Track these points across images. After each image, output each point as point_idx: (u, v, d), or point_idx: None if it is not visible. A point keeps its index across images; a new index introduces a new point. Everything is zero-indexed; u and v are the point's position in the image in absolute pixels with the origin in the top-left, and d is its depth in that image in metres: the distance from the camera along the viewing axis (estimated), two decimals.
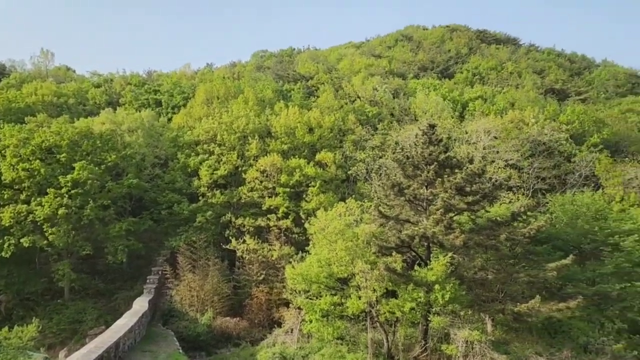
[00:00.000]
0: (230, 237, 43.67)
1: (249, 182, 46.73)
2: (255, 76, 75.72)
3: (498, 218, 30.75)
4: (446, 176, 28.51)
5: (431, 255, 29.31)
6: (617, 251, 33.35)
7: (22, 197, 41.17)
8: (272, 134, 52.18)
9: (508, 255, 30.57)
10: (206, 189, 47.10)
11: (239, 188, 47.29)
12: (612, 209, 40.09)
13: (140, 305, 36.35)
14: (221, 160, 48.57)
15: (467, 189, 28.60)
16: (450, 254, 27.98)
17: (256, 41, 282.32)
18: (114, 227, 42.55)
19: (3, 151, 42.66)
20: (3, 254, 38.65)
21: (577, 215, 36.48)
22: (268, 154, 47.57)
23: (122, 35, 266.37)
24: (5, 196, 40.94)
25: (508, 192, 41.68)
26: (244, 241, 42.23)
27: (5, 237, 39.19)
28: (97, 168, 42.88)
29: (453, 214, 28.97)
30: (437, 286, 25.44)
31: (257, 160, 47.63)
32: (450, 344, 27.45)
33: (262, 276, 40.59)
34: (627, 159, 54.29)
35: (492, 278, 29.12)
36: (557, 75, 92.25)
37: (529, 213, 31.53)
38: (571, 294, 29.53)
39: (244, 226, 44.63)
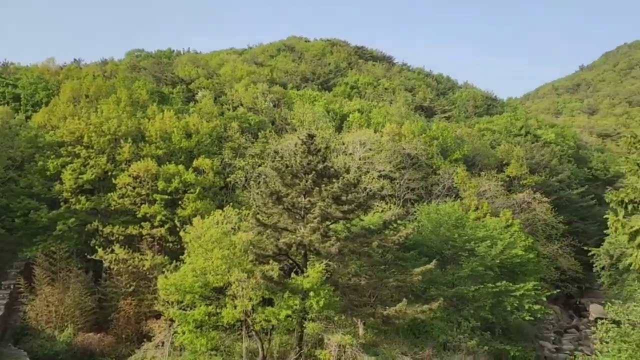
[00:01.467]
0: (96, 247, 40.39)
1: (120, 188, 43.69)
2: (131, 76, 71.37)
3: (371, 226, 32.34)
4: (324, 185, 29.25)
5: (308, 262, 29.82)
6: (473, 256, 36.88)
7: None
8: (147, 138, 49.51)
9: (379, 261, 32.23)
10: (70, 194, 43.14)
11: (109, 194, 44.03)
12: (469, 217, 44.18)
13: None
14: (88, 163, 44.90)
15: (343, 198, 29.64)
16: (325, 261, 28.74)
17: (130, 40, 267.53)
18: None
19: None
20: None
21: (440, 223, 39.72)
22: (142, 159, 45.00)
23: None
24: None
25: (381, 201, 44.01)
26: (113, 251, 39.32)
27: None
28: None
29: (329, 222, 29.84)
30: (312, 293, 25.90)
31: (129, 165, 44.79)
32: (324, 349, 28.11)
33: (132, 287, 38.09)
34: (482, 172, 60.41)
35: (365, 283, 30.51)
36: (426, 94, 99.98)
37: (399, 221, 33.58)
38: (434, 296, 31.96)
39: (112, 235, 41.57)
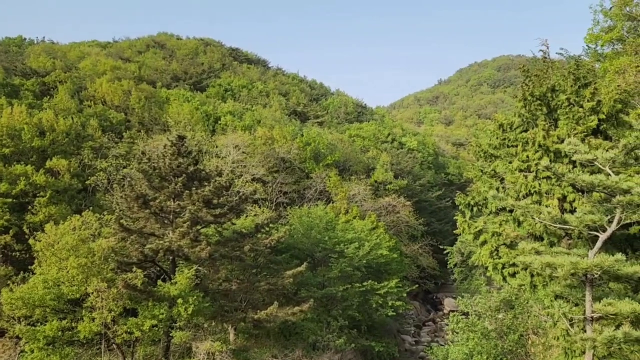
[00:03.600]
0: None
1: None
2: None
3: (243, 230, 32.11)
4: (194, 188, 28.40)
5: (176, 268, 28.66)
6: (342, 257, 38.33)
7: None
8: None
9: (252, 265, 32.06)
10: None
11: None
12: (339, 220, 45.91)
13: None
14: None
15: (215, 201, 29.02)
16: (195, 267, 27.86)
17: None
18: None
19: None
20: None
21: (311, 226, 40.69)
22: None
23: None
24: None
25: (254, 205, 43.90)
26: None
27: None
28: None
29: (200, 227, 29.03)
30: (180, 300, 24.90)
31: None
32: (192, 358, 27.18)
33: None
34: (352, 177, 63.23)
35: (236, 288, 30.16)
36: (300, 99, 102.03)
37: (271, 225, 33.82)
38: (304, 298, 32.62)
39: None
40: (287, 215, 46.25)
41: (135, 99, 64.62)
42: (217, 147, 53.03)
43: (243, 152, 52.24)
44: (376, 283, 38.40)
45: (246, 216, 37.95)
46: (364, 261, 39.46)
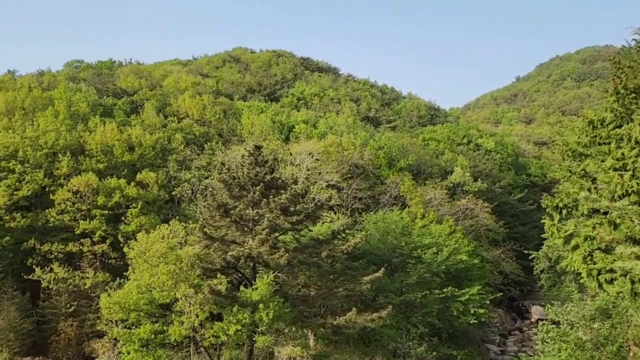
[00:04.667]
0: (33, 266, 38.40)
1: (58, 204, 41.85)
2: (74, 87, 68.55)
3: (320, 236, 32.50)
4: (272, 197, 29.19)
5: (257, 275, 29.57)
6: (420, 263, 37.69)
7: None
8: (87, 152, 47.74)
9: (329, 271, 32.35)
10: (4, 211, 40.92)
11: (47, 210, 42.09)
12: (416, 225, 45.25)
13: None
14: (24, 179, 42.79)
15: (292, 208, 29.65)
16: (275, 273, 28.60)
17: (69, 51, 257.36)
18: None
19: None
20: None
21: (387, 231, 40.40)
22: (82, 173, 43.35)
23: None
24: None
25: (329, 211, 44.37)
26: (51, 270, 37.54)
27: None
28: None
29: (278, 234, 29.75)
30: (261, 305, 25.67)
31: (68, 180, 43.03)
32: None
33: (73, 308, 36.50)
34: (427, 181, 62.09)
35: (314, 294, 30.55)
36: (371, 104, 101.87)
37: (347, 231, 33.96)
38: (383, 304, 32.39)
39: (51, 253, 39.72)
40: (363, 221, 46.27)
41: (213, 112, 67.65)
42: (291, 155, 54.22)
43: (317, 160, 53.00)
44: (456, 289, 37.37)
45: (322, 223, 38.43)
46: (443, 267, 38.53)
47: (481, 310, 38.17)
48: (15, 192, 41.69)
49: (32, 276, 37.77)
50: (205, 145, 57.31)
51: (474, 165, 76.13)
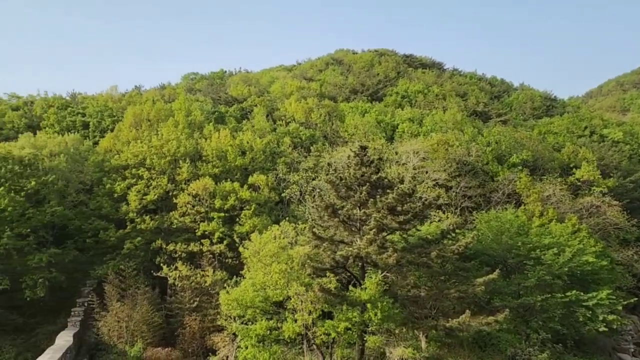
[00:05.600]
0: (161, 264, 42.01)
1: (180, 207, 45.38)
2: (191, 98, 74.00)
3: (429, 236, 31.78)
4: (378, 196, 29.12)
5: (365, 274, 29.63)
6: (539, 264, 35.28)
7: None
8: (204, 158, 51.18)
9: (439, 272, 31.50)
10: (135, 214, 45.23)
11: (170, 213, 45.82)
12: (533, 224, 42.44)
13: (65, 339, 33.94)
14: (151, 184, 46.93)
15: (399, 208, 29.31)
16: (383, 273, 28.44)
17: (185, 63, 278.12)
18: (32, 258, 39.85)
19: None
20: None
21: (501, 231, 38.36)
22: (200, 178, 46.55)
23: (43, 56, 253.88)
24: None
25: (437, 210, 43.17)
26: (176, 268, 40.79)
27: None
28: (16, 195, 40.21)
29: (386, 234, 29.54)
30: (370, 305, 25.67)
31: (188, 184, 46.46)
32: None
33: (196, 303, 39.29)
34: (544, 177, 57.96)
35: (425, 295, 29.88)
36: (479, 98, 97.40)
37: (457, 230, 32.83)
38: (498, 307, 30.84)
39: (175, 252, 43.16)
40: (474, 220, 44.42)
41: (318, 114, 69.08)
42: (396, 154, 53.62)
43: (423, 158, 51.87)
44: (582, 293, 34.41)
45: (430, 222, 37.52)
46: (566, 269, 35.64)
47: (612, 317, 34.74)
48: (144, 197, 45.87)
49: (160, 273, 41.38)
50: (312, 147, 58.68)
51: (599, 158, 69.54)
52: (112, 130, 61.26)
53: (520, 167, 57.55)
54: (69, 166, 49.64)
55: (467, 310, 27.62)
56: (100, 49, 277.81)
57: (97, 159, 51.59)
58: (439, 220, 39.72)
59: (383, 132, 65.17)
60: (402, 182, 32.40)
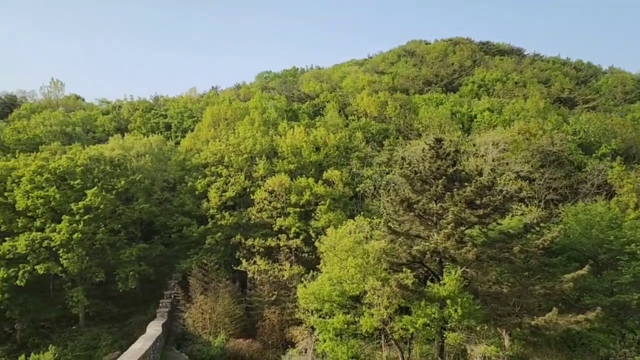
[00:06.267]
0: (240, 259, 43.51)
1: (257, 203, 46.70)
2: (266, 96, 75.77)
3: (510, 230, 30.44)
4: (455, 190, 28.27)
5: (443, 270, 28.91)
6: (635, 260, 32.74)
7: (36, 224, 41.50)
8: (279, 154, 52.28)
9: (522, 267, 30.14)
10: (215, 210, 47.15)
11: (248, 209, 47.29)
12: (627, 217, 39.47)
13: (154, 329, 36.16)
14: (229, 181, 48.67)
15: (478, 202, 28.31)
16: (462, 269, 27.62)
17: (258, 63, 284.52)
18: (124, 252, 42.81)
19: (17, 180, 43.23)
20: (18, 282, 38.77)
21: (591, 224, 35.98)
22: (275, 174, 47.62)
23: (127, 62, 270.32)
24: (19, 224, 41.33)
25: (519, 204, 41.21)
26: (255, 262, 42.08)
27: (20, 265, 39.39)
28: (108, 194, 43.29)
29: (464, 228, 28.65)
30: (449, 301, 25.01)
31: (265, 181, 47.68)
32: None
33: (274, 296, 40.31)
34: (639, 165, 53.53)
35: (507, 291, 28.65)
36: (564, 84, 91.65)
37: (542, 224, 31.18)
38: (589, 305, 28.99)
39: (254, 247, 44.51)
40: (560, 213, 41.97)
41: (391, 108, 68.26)
42: (474, 146, 51.80)
43: (503, 149, 49.70)
44: None
45: (512, 216, 35.88)
46: None
47: None
48: (223, 194, 47.67)
49: (240, 267, 42.88)
50: (385, 141, 58.11)
51: None
52: (192, 130, 64.23)
53: (611, 156, 53.59)
54: (154, 165, 52.71)
55: (554, 308, 26.20)
56: (181, 50, 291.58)
57: (179, 158, 54.28)
58: (521, 214, 37.93)
59: (459, 124, 63.20)
60: (480, 174, 31.15)
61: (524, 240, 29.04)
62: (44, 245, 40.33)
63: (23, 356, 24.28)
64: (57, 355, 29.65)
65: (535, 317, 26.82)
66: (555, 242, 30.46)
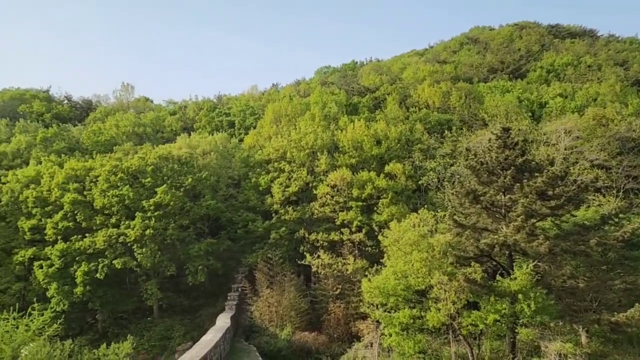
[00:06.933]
0: (304, 253, 44.03)
1: (320, 198, 47.02)
2: (326, 91, 75.98)
3: (586, 222, 28.85)
4: (525, 180, 27.14)
5: (514, 264, 27.85)
6: None
7: (112, 221, 44.03)
8: (340, 149, 52.29)
9: (600, 261, 28.49)
10: (279, 206, 47.96)
11: (311, 204, 47.73)
12: None
13: (224, 321, 37.41)
14: (292, 177, 49.32)
15: (549, 192, 26.97)
16: (534, 262, 26.48)
17: (317, 58, 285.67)
18: (193, 247, 44.55)
19: (94, 180, 46.04)
20: (98, 275, 41.34)
21: None
22: (337, 169, 47.71)
23: (190, 61, 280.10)
24: (98, 221, 44.01)
25: (596, 194, 38.94)
26: (318, 256, 42.42)
27: (99, 260, 41.99)
28: (176, 191, 45.14)
29: (535, 220, 27.42)
30: (521, 296, 24.04)
31: (326, 176, 47.90)
32: (542, 358, 25.79)
33: (338, 290, 40.48)
34: None
35: (584, 286, 27.18)
36: None
37: (621, 215, 29.38)
38: None
39: (317, 241, 44.87)
40: None
41: (454, 98, 66.46)
42: (544, 134, 49.42)
43: (576, 137, 47.08)
44: None
45: (587, 207, 33.96)
46: None
47: None
48: (286, 189, 48.37)
49: (304, 262, 43.39)
50: (448, 132, 56.73)
51: None
52: (254, 127, 65.67)
53: None
54: (219, 163, 54.36)
55: (637, 304, 24.58)
56: (239, 51, 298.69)
57: (242, 155, 55.62)
58: (598, 205, 35.80)
59: (528, 112, 60.53)
60: (552, 164, 29.85)
61: (601, 233, 27.43)
62: (120, 241, 42.78)
63: (104, 344, 25.76)
64: (134, 344, 31.30)
65: (615, 313, 25.30)
66: (637, 234, 28.58)
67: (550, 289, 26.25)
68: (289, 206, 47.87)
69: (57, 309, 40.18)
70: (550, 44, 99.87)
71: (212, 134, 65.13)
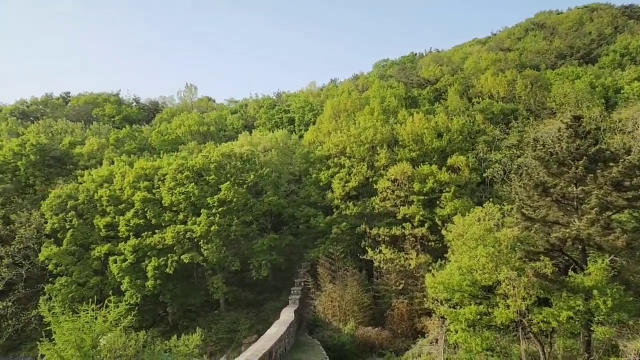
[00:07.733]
0: (366, 248, 43.93)
1: (381, 192, 46.73)
2: (385, 84, 75.22)
3: None
4: (599, 171, 25.70)
5: (588, 259, 26.47)
6: None
7: (180, 218, 45.91)
8: (400, 143, 51.65)
9: None
10: (340, 201, 48.13)
11: (372, 199, 47.52)
12: None
13: (288, 315, 38.08)
14: (352, 172, 49.31)
15: (627, 183, 25.42)
16: (611, 257, 25.06)
17: (376, 51, 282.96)
18: (256, 243, 45.65)
19: (162, 178, 48.18)
20: (168, 270, 43.29)
21: None
22: (397, 163, 47.17)
23: (247, 62, 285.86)
24: (167, 218, 46.04)
25: None
26: (380, 251, 42.17)
27: (169, 255, 43.94)
28: (240, 188, 46.38)
29: (611, 213, 25.95)
30: (596, 293, 22.82)
31: (387, 170, 47.50)
32: (620, 357, 24.39)
33: (402, 286, 40.12)
34: None
35: None
36: None
37: None
38: None
39: (379, 236, 44.64)
40: None
41: (520, 87, 63.85)
42: (620, 122, 46.53)
43: None
44: None
45: None
46: None
47: None
48: (346, 184, 48.45)
49: (366, 257, 43.30)
50: (514, 122, 54.62)
51: None
52: (314, 124, 66.13)
53: None
54: (280, 159, 55.27)
55: None
56: (298, 48, 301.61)
57: (303, 151, 56.22)
58: None
59: (601, 99, 57.17)
60: (629, 153, 27.93)
61: None
62: (187, 237, 44.56)
63: (175, 336, 27.02)
64: (203, 336, 32.61)
65: None
66: None
67: (629, 285, 24.79)
68: (350, 201, 47.93)
69: (131, 302, 42.53)
70: (625, 26, 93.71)
71: (273, 131, 66.29)
